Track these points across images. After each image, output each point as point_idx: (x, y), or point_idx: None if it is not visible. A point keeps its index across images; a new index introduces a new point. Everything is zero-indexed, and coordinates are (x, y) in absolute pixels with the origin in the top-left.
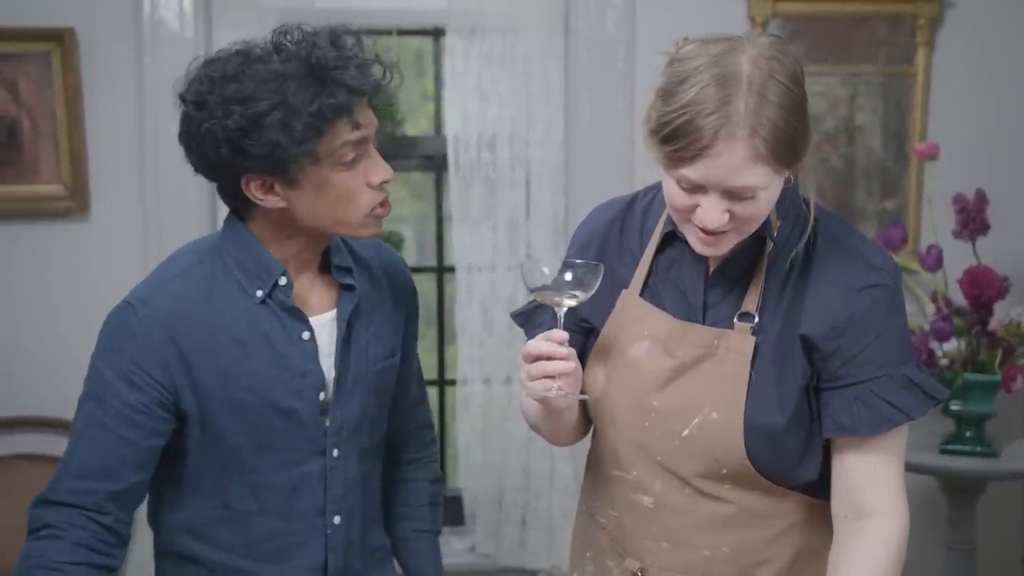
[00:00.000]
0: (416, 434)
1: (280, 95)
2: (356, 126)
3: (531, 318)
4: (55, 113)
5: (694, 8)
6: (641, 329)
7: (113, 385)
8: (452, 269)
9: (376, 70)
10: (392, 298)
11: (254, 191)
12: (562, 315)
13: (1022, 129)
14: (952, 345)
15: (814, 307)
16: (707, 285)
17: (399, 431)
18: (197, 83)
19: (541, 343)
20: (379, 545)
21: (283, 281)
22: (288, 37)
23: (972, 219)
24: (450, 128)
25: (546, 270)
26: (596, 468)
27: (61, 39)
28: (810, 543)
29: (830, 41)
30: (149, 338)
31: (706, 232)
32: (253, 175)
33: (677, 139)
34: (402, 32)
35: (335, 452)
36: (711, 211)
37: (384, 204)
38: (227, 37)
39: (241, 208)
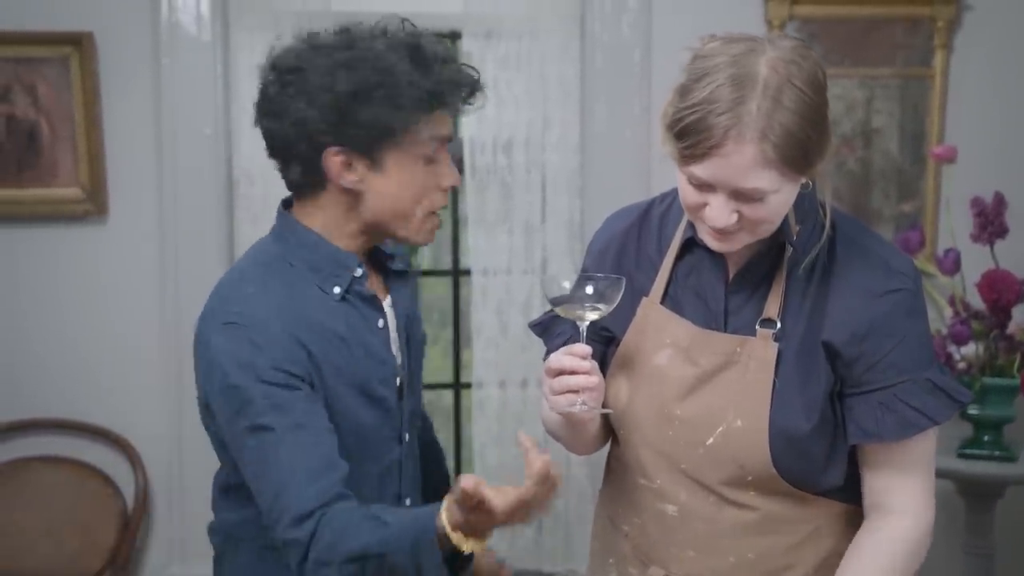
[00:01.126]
0: None
1: (387, 73)
2: (447, 121)
3: (549, 328)
4: (73, 116)
5: (710, 11)
6: (663, 337)
7: (277, 393)
8: (468, 272)
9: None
10: (411, 280)
11: (334, 166)
12: (584, 329)
13: None
14: (970, 349)
15: (835, 313)
16: (727, 291)
17: None
18: (294, 51)
19: (564, 358)
20: None
21: (359, 272)
22: (392, 27)
23: (990, 222)
24: (466, 131)
25: (566, 284)
26: (619, 476)
27: (79, 43)
28: (836, 548)
29: (847, 44)
30: (275, 344)
31: (715, 230)
32: (338, 149)
33: (689, 136)
34: None
35: (406, 436)
36: (718, 210)
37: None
38: (244, 40)
39: (305, 196)
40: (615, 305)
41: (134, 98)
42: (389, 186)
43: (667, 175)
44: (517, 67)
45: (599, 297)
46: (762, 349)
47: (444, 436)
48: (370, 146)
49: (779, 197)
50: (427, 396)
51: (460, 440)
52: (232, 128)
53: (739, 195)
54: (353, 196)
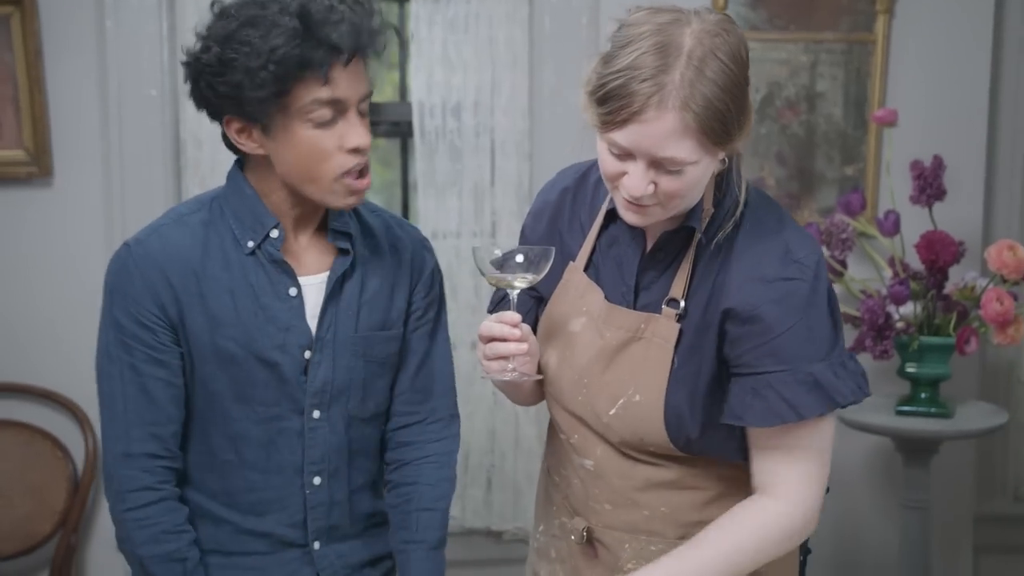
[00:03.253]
0: (424, 427)
1: (260, 41)
2: (325, 82)
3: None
4: (16, 78)
5: None
6: (581, 305)
7: (130, 329)
8: None
9: (371, 37)
10: (395, 273)
11: (234, 133)
12: (515, 297)
13: (979, 96)
14: (908, 309)
15: (729, 295)
16: (640, 267)
17: (399, 416)
18: (211, 18)
19: (494, 325)
20: (372, 511)
21: (275, 234)
22: None
23: (929, 185)
24: (415, 95)
25: (498, 252)
26: (552, 429)
27: (20, 2)
28: None
29: (792, 8)
30: (145, 278)
31: (630, 201)
32: (232, 117)
33: (610, 102)
34: None
35: (316, 413)
36: (636, 179)
37: (362, 176)
38: (190, 1)
39: (240, 154)
40: (544, 273)
41: (78, 58)
42: (284, 151)
43: None
44: (465, 30)
45: (529, 266)
46: (665, 328)
47: None
48: (253, 114)
49: (696, 170)
50: None
51: None
52: (179, 90)
53: (657, 164)
54: (266, 160)
